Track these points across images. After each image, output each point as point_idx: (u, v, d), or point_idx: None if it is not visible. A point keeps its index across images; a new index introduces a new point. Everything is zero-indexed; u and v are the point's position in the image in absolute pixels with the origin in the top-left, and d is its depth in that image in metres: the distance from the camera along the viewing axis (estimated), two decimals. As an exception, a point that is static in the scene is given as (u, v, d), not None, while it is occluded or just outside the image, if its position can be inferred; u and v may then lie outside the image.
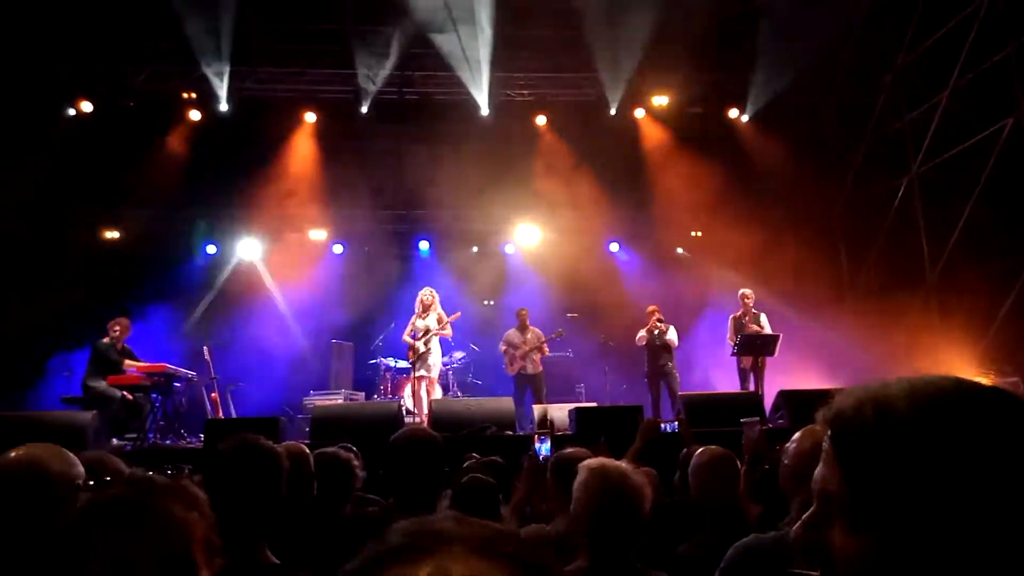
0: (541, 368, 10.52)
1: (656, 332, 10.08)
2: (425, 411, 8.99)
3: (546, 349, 10.74)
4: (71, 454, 1.72)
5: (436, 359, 9.78)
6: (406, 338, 9.77)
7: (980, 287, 9.18)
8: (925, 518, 0.73)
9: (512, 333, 10.64)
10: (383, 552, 0.55)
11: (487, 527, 0.57)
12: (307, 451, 3.16)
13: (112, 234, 12.77)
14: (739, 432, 4.59)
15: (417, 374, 9.52)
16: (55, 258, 11.86)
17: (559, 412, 7.89)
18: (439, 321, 9.73)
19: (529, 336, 10.52)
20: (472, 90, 12.55)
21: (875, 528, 0.76)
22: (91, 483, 1.10)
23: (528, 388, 10.36)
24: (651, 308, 10.32)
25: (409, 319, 10.36)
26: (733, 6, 10.56)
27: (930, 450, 0.74)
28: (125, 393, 8.20)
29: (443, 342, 10.26)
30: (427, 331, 9.63)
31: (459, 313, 10.14)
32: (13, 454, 1.65)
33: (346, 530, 2.83)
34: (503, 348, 10.62)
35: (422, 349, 9.57)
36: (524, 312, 10.73)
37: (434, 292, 9.98)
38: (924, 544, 0.73)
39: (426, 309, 9.76)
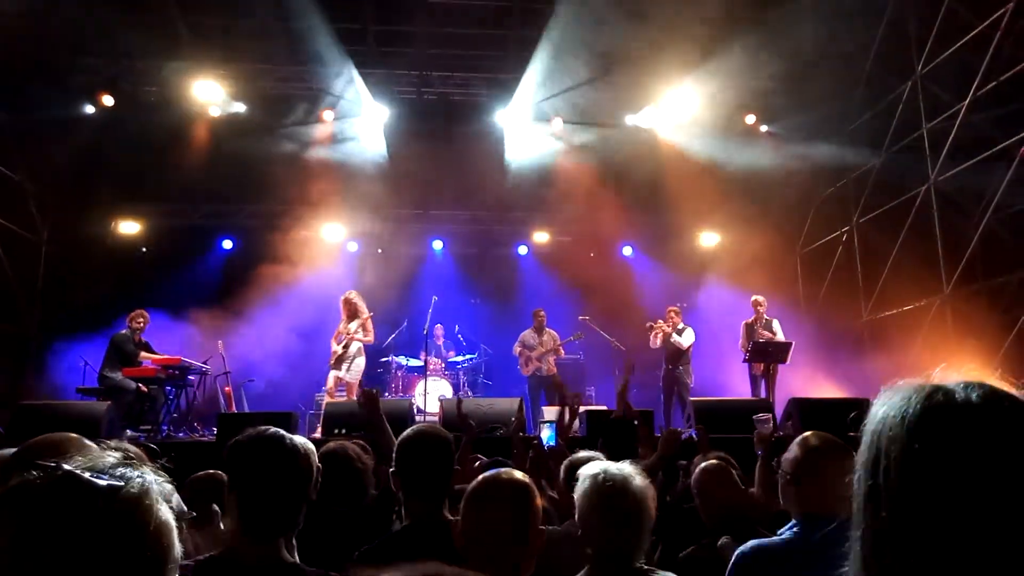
0: (556, 370, 10.49)
1: (660, 335, 10.01)
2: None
3: (562, 351, 10.71)
4: (89, 442, 1.76)
5: (357, 364, 9.48)
6: (333, 342, 9.58)
7: (996, 298, 9.12)
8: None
9: (527, 334, 10.58)
10: None
11: None
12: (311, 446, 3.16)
13: (130, 228, 12.91)
14: (749, 440, 4.61)
15: (332, 373, 9.35)
16: (75, 252, 12.01)
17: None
18: (363, 327, 9.51)
19: (545, 338, 10.47)
20: (489, 92, 12.59)
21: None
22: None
23: (543, 390, 10.35)
24: (669, 308, 10.28)
25: (421, 319, 10.46)
26: (751, 14, 10.53)
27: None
28: (140, 385, 8.29)
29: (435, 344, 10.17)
30: (348, 335, 9.46)
31: (371, 313, 9.74)
32: (36, 440, 1.73)
33: (351, 527, 2.84)
34: (518, 349, 10.55)
35: (339, 352, 9.41)
36: (541, 313, 10.65)
37: (356, 296, 9.69)
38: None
39: (350, 316, 9.55)
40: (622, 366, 4.46)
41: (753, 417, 5.67)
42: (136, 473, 0.97)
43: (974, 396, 0.83)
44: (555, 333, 10.55)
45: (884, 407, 0.87)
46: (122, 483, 0.94)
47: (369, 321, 9.52)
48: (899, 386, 0.89)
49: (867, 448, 0.87)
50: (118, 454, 1.01)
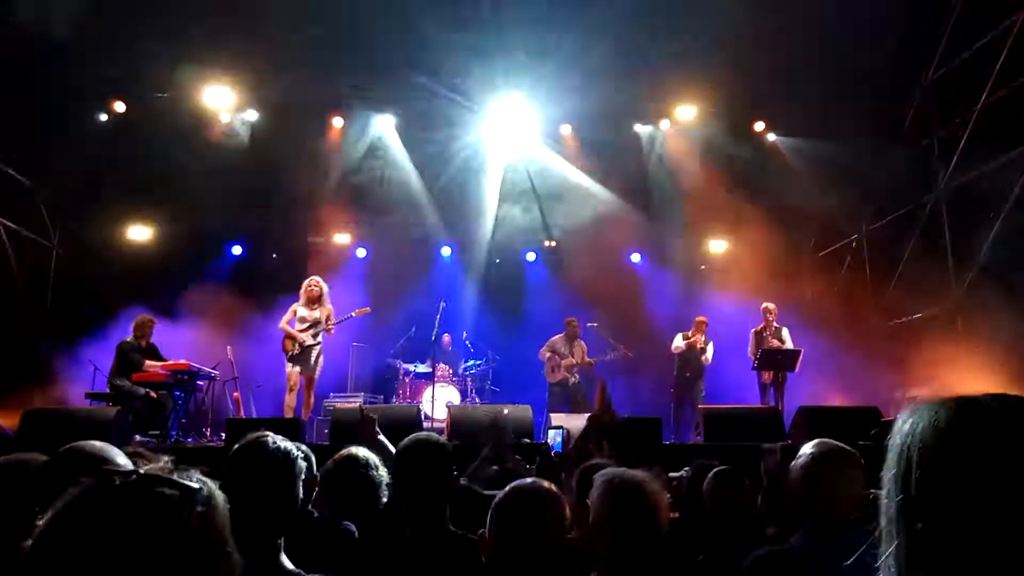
0: (579, 378, 10.44)
1: (686, 343, 9.96)
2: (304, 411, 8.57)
3: (592, 368, 10.54)
4: (117, 449, 1.80)
5: (321, 358, 8.88)
6: (283, 326, 8.77)
7: (1006, 306, 9.05)
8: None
9: (559, 340, 10.44)
10: None
11: None
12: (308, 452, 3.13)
13: (141, 234, 12.96)
14: (757, 448, 4.59)
15: (296, 368, 8.61)
16: (86, 257, 12.07)
17: (577, 422, 7.86)
18: (327, 319, 8.84)
19: (575, 347, 10.40)
20: (498, 99, 12.60)
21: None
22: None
23: (567, 398, 10.27)
24: (699, 319, 10.19)
25: (429, 324, 10.41)
26: (762, 20, 10.51)
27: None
28: (149, 391, 8.31)
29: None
30: (315, 323, 8.73)
31: (367, 308, 9.27)
32: (71, 446, 1.78)
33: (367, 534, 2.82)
34: (547, 354, 10.40)
35: (309, 341, 8.67)
36: (575, 323, 10.51)
37: (322, 283, 9.01)
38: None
39: (312, 301, 8.82)
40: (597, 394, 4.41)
41: (763, 446, 5.67)
42: (195, 477, 0.98)
43: (1005, 406, 0.83)
44: (584, 345, 10.47)
45: (912, 420, 0.87)
46: (198, 486, 0.95)
47: (333, 313, 8.94)
48: (925, 399, 0.88)
49: (896, 461, 0.87)
50: (166, 459, 1.02)
